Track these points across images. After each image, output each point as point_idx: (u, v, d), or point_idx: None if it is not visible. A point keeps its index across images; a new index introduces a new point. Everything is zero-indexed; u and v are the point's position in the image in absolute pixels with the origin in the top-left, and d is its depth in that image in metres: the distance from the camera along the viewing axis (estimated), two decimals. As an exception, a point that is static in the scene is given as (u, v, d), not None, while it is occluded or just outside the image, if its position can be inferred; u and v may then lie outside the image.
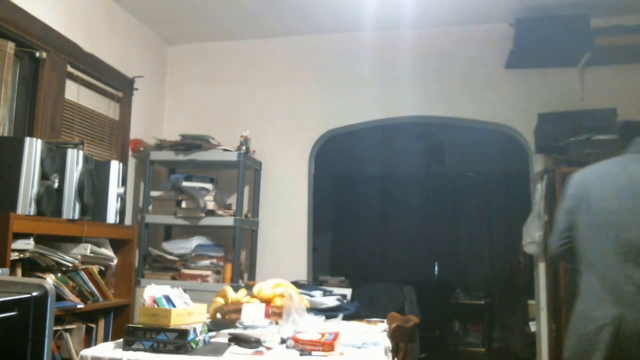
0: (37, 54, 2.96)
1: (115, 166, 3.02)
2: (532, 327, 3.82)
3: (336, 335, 1.94)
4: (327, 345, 1.88)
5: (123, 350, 1.86)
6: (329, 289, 3.05)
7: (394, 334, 2.38)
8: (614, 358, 1.91)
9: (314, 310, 2.56)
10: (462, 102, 3.96)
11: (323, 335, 1.94)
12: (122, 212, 3.08)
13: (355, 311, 2.72)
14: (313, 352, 1.87)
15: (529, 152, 3.84)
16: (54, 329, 2.24)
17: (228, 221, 3.65)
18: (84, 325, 2.75)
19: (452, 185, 6.86)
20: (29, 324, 1.17)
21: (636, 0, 3.49)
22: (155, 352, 1.84)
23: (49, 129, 3.01)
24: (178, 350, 1.84)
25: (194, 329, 1.90)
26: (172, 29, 4.16)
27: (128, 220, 3.69)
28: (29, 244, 2.42)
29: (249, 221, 3.86)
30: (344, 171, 7.01)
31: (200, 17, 3.95)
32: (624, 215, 2.01)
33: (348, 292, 3.14)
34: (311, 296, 2.69)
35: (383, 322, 2.65)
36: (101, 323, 2.94)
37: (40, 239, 2.51)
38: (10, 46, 2.71)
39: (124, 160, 3.69)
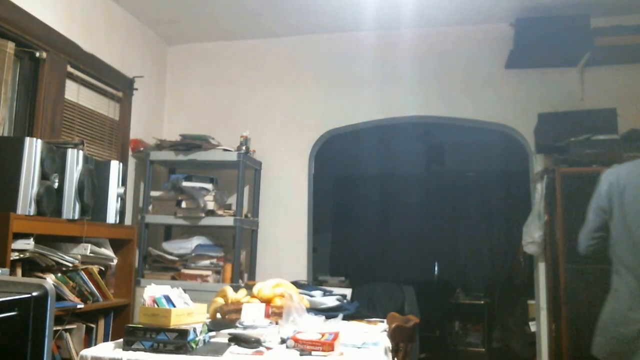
0: (37, 54, 2.96)
1: (115, 166, 3.02)
2: (532, 327, 3.82)
3: (336, 335, 1.94)
4: (327, 345, 1.88)
5: (123, 350, 1.86)
6: (329, 289, 3.05)
7: (394, 334, 2.38)
8: None
9: (314, 310, 2.55)
10: (462, 102, 3.96)
11: (323, 335, 1.94)
12: (122, 212, 3.08)
13: (355, 311, 2.72)
14: (313, 352, 1.87)
15: (529, 152, 3.84)
16: (54, 329, 2.24)
17: (228, 221, 3.65)
18: (84, 325, 2.75)
19: (452, 185, 6.86)
20: (29, 324, 1.17)
21: (636, 0, 3.49)
22: (155, 352, 1.84)
23: (49, 129, 3.01)
24: (178, 350, 1.84)
25: (194, 329, 1.90)
26: (172, 29, 4.16)
27: (128, 220, 3.69)
28: (29, 244, 2.42)
29: (249, 221, 3.86)
30: (344, 171, 7.01)
31: (200, 17, 3.95)
32: None
33: (348, 292, 3.14)
34: (311, 296, 2.69)
35: (383, 322, 2.65)
36: (101, 323, 2.94)
37: (40, 239, 2.51)
38: (10, 46, 2.71)
39: (124, 160, 3.69)
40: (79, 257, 2.74)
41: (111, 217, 2.98)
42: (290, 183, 4.11)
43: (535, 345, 3.77)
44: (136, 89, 3.87)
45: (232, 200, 3.85)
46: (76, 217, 2.68)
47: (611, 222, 2.18)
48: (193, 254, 3.69)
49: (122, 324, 2.87)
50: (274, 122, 4.18)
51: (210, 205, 3.65)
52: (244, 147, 3.76)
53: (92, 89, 3.50)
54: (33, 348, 1.18)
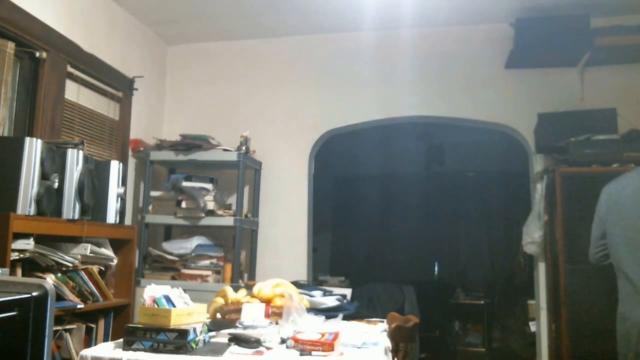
0: (37, 54, 2.95)
1: (115, 166, 3.02)
2: (532, 327, 3.82)
3: (336, 335, 1.94)
4: (327, 345, 1.88)
5: (123, 350, 1.86)
6: (329, 289, 3.04)
7: (394, 334, 2.38)
8: None
9: (314, 310, 2.55)
10: (462, 102, 3.96)
11: (323, 335, 1.94)
12: (122, 212, 3.08)
13: (355, 311, 2.72)
14: (313, 352, 1.87)
15: (529, 152, 3.84)
16: (54, 329, 2.24)
17: (228, 221, 3.65)
18: (84, 325, 2.75)
19: (452, 185, 6.85)
20: (29, 324, 1.17)
21: (636, 0, 3.49)
22: (155, 352, 1.84)
23: (49, 129, 3.01)
24: (178, 350, 1.84)
25: (194, 329, 1.90)
26: (172, 29, 4.16)
27: (128, 220, 3.69)
28: (29, 244, 2.42)
29: (249, 221, 3.86)
30: (344, 171, 7.00)
31: (200, 17, 3.95)
32: None
33: (348, 292, 3.13)
34: (311, 296, 2.69)
35: (383, 322, 2.65)
36: (101, 323, 2.94)
37: (40, 239, 2.51)
38: (10, 46, 2.71)
39: (124, 160, 3.69)
40: (79, 257, 2.74)
41: (111, 217, 2.98)
42: (290, 183, 4.11)
43: (535, 345, 3.77)
44: (136, 89, 3.87)
45: (232, 200, 3.85)
46: (76, 217, 2.68)
47: (608, 230, 2.34)
48: (193, 254, 3.69)
49: (122, 324, 2.87)
50: (274, 122, 4.18)
51: (210, 205, 3.65)
52: (244, 147, 3.76)
53: (92, 89, 3.50)
54: (33, 348, 1.18)
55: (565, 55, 3.62)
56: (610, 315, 2.33)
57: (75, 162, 2.68)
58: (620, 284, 2.28)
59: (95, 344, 2.71)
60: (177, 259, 3.72)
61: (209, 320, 2.29)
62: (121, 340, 1.91)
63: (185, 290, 2.15)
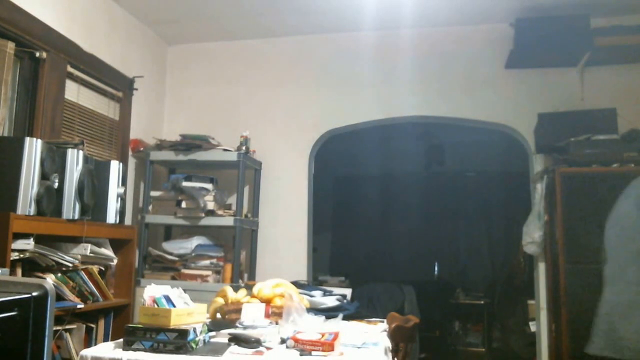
0: (37, 54, 2.95)
1: (115, 166, 3.02)
2: (532, 327, 3.82)
3: (336, 335, 1.94)
4: (327, 345, 1.88)
5: (123, 350, 1.86)
6: (329, 289, 3.04)
7: (393, 334, 2.38)
8: None
9: (314, 310, 2.55)
10: (462, 102, 3.96)
11: (323, 335, 1.94)
12: (122, 212, 3.08)
13: (355, 311, 2.72)
14: (313, 352, 1.87)
15: (529, 152, 3.84)
16: (54, 329, 2.24)
17: (228, 221, 3.65)
18: (84, 325, 2.75)
19: (452, 185, 6.85)
20: (29, 324, 1.17)
21: (636, 0, 3.49)
22: (155, 352, 1.84)
23: (49, 129, 3.01)
24: (178, 350, 1.84)
25: (194, 329, 1.90)
26: (172, 29, 4.16)
27: (128, 220, 3.69)
28: (29, 244, 2.42)
29: (249, 221, 3.85)
30: (344, 171, 7.00)
31: (200, 17, 3.95)
32: None
33: (348, 292, 3.14)
34: (311, 296, 2.69)
35: (383, 322, 2.65)
36: (101, 323, 2.94)
37: (40, 239, 2.51)
38: (10, 46, 2.71)
39: (124, 160, 3.69)
40: (79, 257, 2.74)
41: (111, 217, 2.98)
42: (290, 183, 4.11)
43: (535, 345, 3.77)
44: (136, 89, 3.87)
45: (232, 200, 3.85)
46: (76, 217, 2.68)
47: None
48: (193, 254, 3.69)
49: (122, 324, 2.87)
50: (274, 122, 4.18)
51: (210, 205, 3.65)
52: (244, 147, 3.76)
53: (92, 89, 3.50)
54: (33, 348, 1.18)
55: (565, 55, 3.62)
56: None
57: (75, 162, 2.68)
58: None
59: (95, 344, 2.71)
60: (177, 259, 3.72)
61: (209, 320, 2.29)
62: (121, 340, 1.91)
63: (185, 290, 2.15)
